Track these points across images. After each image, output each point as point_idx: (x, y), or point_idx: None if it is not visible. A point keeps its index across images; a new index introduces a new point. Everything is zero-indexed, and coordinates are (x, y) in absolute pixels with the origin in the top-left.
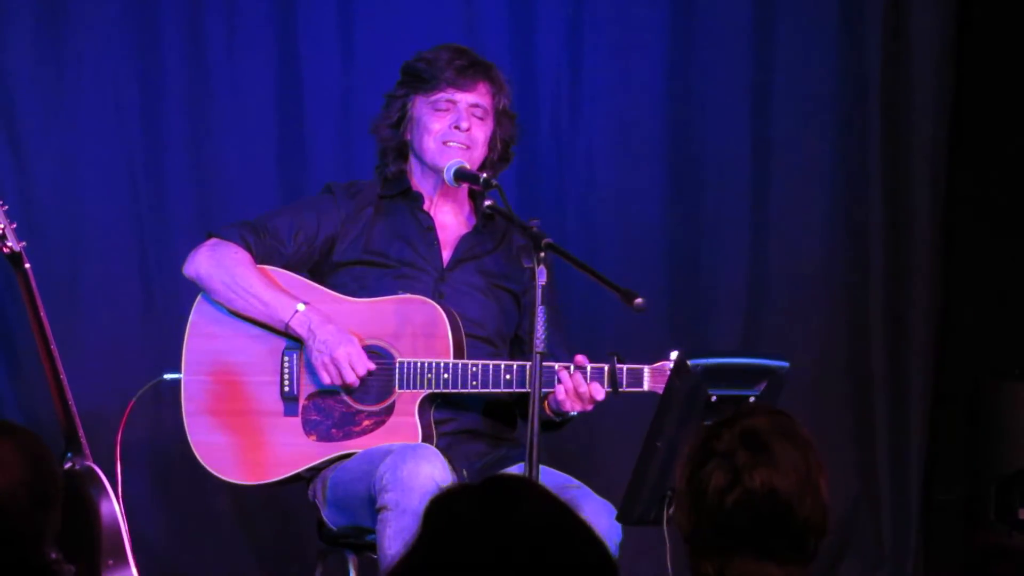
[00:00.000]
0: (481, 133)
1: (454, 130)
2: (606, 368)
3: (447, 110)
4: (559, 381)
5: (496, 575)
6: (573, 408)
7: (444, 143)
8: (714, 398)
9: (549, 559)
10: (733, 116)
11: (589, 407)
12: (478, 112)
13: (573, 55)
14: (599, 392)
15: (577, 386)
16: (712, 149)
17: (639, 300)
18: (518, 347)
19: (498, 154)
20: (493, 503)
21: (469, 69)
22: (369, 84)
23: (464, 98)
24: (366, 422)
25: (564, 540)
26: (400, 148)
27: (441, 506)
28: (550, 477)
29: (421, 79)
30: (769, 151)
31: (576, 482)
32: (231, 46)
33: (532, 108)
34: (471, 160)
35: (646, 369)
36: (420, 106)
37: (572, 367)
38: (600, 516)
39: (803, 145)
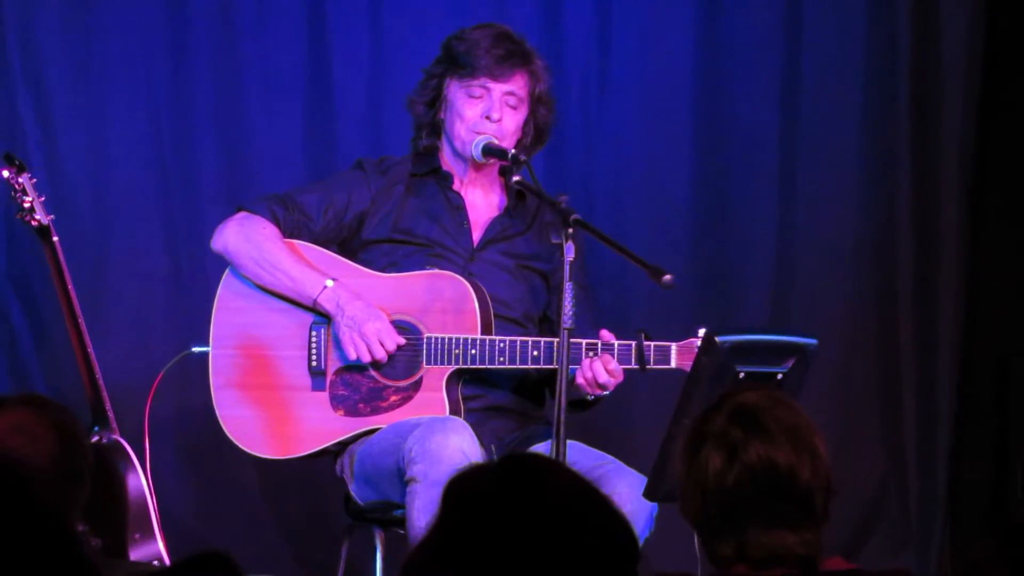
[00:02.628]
0: (512, 122)
1: (485, 120)
2: (633, 345)
3: (480, 97)
4: (582, 367)
5: (520, 554)
6: (595, 392)
7: (474, 131)
8: (742, 375)
9: (572, 537)
10: (762, 93)
11: (610, 386)
12: (511, 101)
13: (602, 32)
14: (609, 363)
15: (606, 364)
16: (741, 127)
17: (667, 277)
18: (547, 327)
19: (531, 138)
20: (517, 482)
21: (507, 60)
22: (398, 59)
23: (499, 87)
24: (393, 397)
25: (587, 518)
26: (434, 126)
27: (462, 486)
28: (583, 454)
29: (458, 63)
30: (797, 128)
31: (610, 458)
32: (260, 20)
33: (560, 85)
34: None
35: (673, 346)
36: (455, 89)
37: (599, 344)
38: (635, 490)
39: (831, 123)
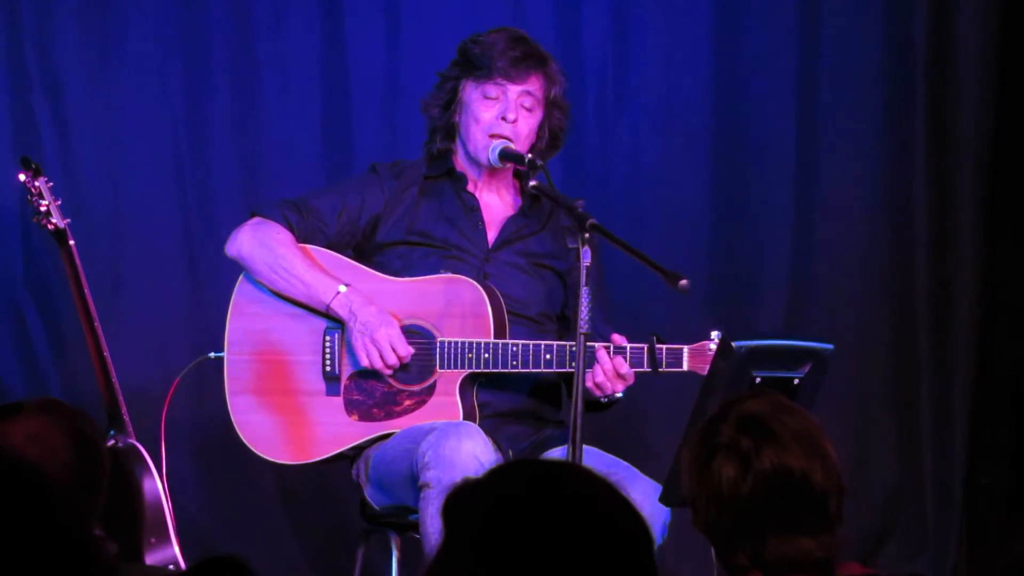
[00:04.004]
0: (527, 125)
1: (500, 121)
2: (646, 348)
3: (496, 99)
4: (597, 361)
5: (531, 559)
6: (606, 391)
7: (489, 135)
8: (758, 380)
9: (583, 534)
10: (778, 99)
11: (620, 385)
12: (527, 103)
13: (619, 37)
14: (621, 366)
15: (618, 367)
16: (757, 132)
17: (684, 282)
18: (564, 326)
19: (545, 142)
20: (515, 489)
21: (523, 61)
22: (414, 64)
23: (514, 88)
24: (407, 401)
25: (592, 510)
26: (448, 129)
27: (457, 504)
28: (597, 460)
29: (474, 65)
30: (814, 134)
31: (624, 464)
32: (277, 25)
33: (578, 89)
34: None
35: (685, 349)
36: (470, 91)
37: (611, 348)
38: (649, 496)
39: (847, 128)
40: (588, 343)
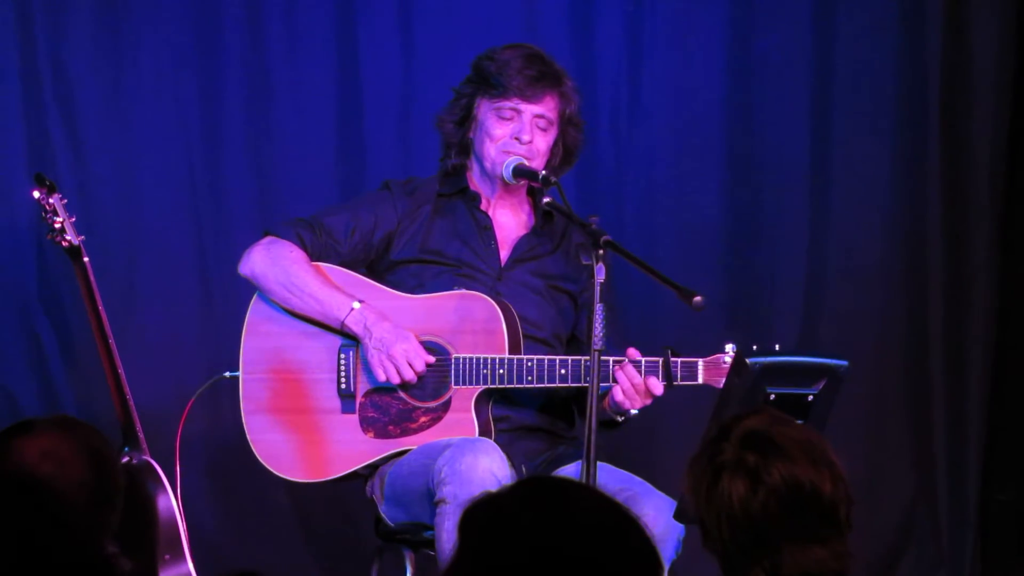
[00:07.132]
0: (543, 144)
1: (515, 141)
2: (660, 361)
3: (511, 119)
4: (616, 381)
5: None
6: (634, 406)
7: (504, 152)
8: (773, 396)
9: (594, 557)
10: (792, 114)
11: (648, 401)
12: (541, 123)
13: (632, 52)
14: (657, 387)
15: (632, 379)
16: (771, 146)
17: (698, 298)
18: (575, 346)
19: (559, 159)
20: (533, 505)
21: (538, 81)
22: (428, 81)
23: (529, 109)
24: (423, 418)
25: (606, 535)
26: (463, 145)
27: (478, 514)
28: (611, 476)
29: (489, 83)
30: (828, 149)
31: (638, 480)
32: (291, 43)
33: (591, 106)
34: None
35: (700, 362)
36: (485, 110)
37: (626, 360)
38: (663, 513)
39: (862, 142)
40: (602, 358)
